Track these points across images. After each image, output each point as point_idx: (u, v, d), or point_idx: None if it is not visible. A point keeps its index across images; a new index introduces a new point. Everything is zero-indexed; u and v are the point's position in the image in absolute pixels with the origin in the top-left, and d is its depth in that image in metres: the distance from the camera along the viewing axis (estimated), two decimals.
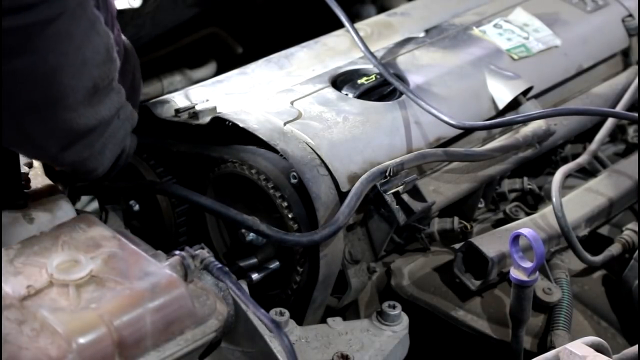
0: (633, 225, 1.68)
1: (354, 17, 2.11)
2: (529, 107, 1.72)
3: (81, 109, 1.16)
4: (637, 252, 1.57)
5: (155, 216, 1.60)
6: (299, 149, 1.47)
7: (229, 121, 1.51)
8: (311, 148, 1.47)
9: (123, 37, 1.36)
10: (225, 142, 1.54)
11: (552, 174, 1.66)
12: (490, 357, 1.52)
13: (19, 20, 1.03)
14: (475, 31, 1.85)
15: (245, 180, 1.49)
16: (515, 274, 1.38)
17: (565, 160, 1.85)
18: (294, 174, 1.44)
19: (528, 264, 1.37)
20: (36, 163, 1.40)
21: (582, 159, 1.74)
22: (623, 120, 1.90)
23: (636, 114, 1.63)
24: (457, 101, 1.67)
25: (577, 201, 1.68)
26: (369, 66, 1.70)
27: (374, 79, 1.66)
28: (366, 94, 1.63)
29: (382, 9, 2.27)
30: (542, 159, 1.85)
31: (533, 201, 1.80)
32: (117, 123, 1.26)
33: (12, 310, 1.05)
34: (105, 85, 1.19)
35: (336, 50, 1.79)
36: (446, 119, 1.56)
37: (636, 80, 1.89)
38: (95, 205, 1.82)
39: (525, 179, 1.77)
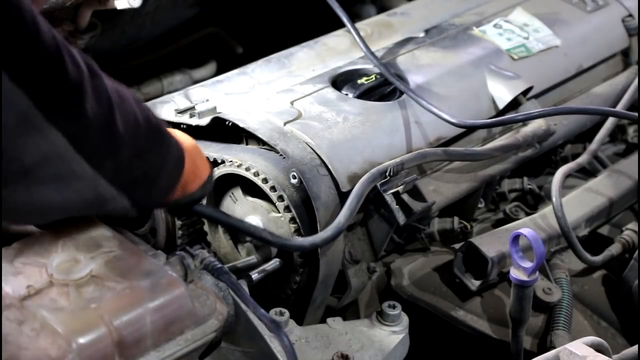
0: (633, 225, 1.68)
1: (354, 17, 2.10)
2: (529, 107, 1.72)
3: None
4: (637, 252, 1.57)
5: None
6: (299, 149, 1.47)
7: (229, 121, 1.51)
8: (311, 148, 1.47)
9: (162, 126, 1.14)
10: (225, 142, 1.54)
11: (552, 174, 1.66)
12: (490, 357, 1.52)
13: None
14: (475, 31, 1.85)
15: (245, 180, 1.48)
16: (515, 274, 1.38)
17: (565, 160, 1.85)
18: (294, 174, 1.44)
19: (528, 264, 1.37)
20: None
21: (582, 159, 1.74)
22: (623, 120, 1.90)
23: (636, 114, 1.63)
24: (457, 101, 1.67)
25: (577, 201, 1.68)
26: (369, 66, 1.70)
27: (374, 79, 1.66)
28: (366, 94, 1.63)
29: (382, 9, 2.27)
30: (542, 159, 1.85)
31: (533, 201, 1.80)
32: (95, 210, 1.11)
33: (12, 310, 1.05)
34: (36, 162, 0.97)
35: (336, 50, 1.79)
36: (447, 117, 1.56)
37: (636, 80, 1.89)
38: None
39: (525, 179, 1.77)
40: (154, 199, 1.16)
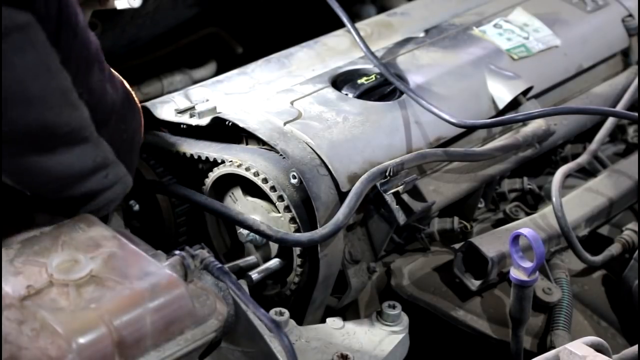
0: (633, 225, 1.68)
1: (354, 17, 2.10)
2: (529, 107, 1.72)
3: (28, 152, 1.11)
4: (637, 252, 1.57)
5: (155, 216, 1.60)
6: (299, 149, 1.47)
7: (229, 121, 1.51)
8: (311, 148, 1.47)
9: (133, 95, 1.28)
10: (225, 142, 1.54)
11: (552, 174, 1.66)
12: (490, 357, 1.52)
13: None
14: (475, 31, 1.85)
15: (245, 180, 1.49)
16: (515, 274, 1.38)
17: (565, 160, 1.85)
18: (294, 174, 1.44)
19: (528, 264, 1.37)
20: None
21: (582, 159, 1.74)
22: (623, 120, 1.90)
23: (636, 114, 1.63)
24: (457, 101, 1.67)
25: (577, 201, 1.68)
26: (369, 66, 1.70)
27: (374, 78, 1.66)
28: (366, 94, 1.63)
29: (382, 9, 2.27)
30: (542, 159, 1.85)
31: (533, 201, 1.80)
32: (102, 181, 1.21)
33: (12, 310, 1.05)
34: (67, 133, 1.12)
35: (336, 50, 1.79)
36: (447, 117, 1.56)
37: (636, 80, 1.89)
38: None
39: (525, 179, 1.77)
40: (135, 158, 1.30)
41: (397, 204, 1.49)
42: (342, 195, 1.45)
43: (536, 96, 1.79)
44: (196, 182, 1.56)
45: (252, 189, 1.50)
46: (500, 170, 1.69)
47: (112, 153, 1.21)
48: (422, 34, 1.84)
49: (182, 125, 1.58)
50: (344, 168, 1.47)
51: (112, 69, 1.21)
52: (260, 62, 1.76)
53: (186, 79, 2.12)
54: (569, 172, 1.70)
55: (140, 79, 2.06)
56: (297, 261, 1.48)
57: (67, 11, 1.07)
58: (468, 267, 1.53)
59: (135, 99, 1.29)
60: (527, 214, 1.71)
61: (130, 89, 1.28)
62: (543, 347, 1.49)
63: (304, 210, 1.45)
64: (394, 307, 1.37)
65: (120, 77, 1.25)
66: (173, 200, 1.58)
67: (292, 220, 1.44)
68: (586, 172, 1.81)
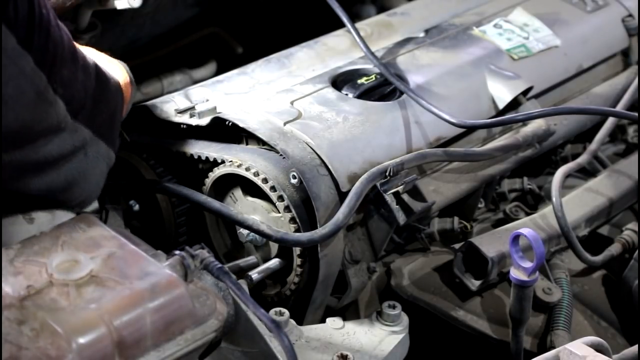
0: (633, 225, 1.68)
1: (354, 17, 2.10)
2: (529, 107, 1.72)
3: (11, 143, 1.13)
4: (637, 252, 1.57)
5: (155, 216, 1.60)
6: (299, 149, 1.47)
7: (229, 121, 1.51)
8: (311, 148, 1.47)
9: (106, 70, 1.30)
10: (225, 142, 1.54)
11: (552, 174, 1.66)
12: (490, 357, 1.52)
13: None
14: (475, 31, 1.85)
15: (245, 180, 1.49)
16: (515, 274, 1.38)
17: (565, 160, 1.85)
18: (294, 174, 1.44)
19: (528, 264, 1.37)
20: None
21: (582, 159, 1.74)
22: (623, 120, 1.90)
23: (636, 114, 1.63)
24: (457, 101, 1.67)
25: (577, 201, 1.68)
26: (369, 66, 1.70)
27: (374, 78, 1.66)
28: (366, 94, 1.63)
29: (382, 9, 2.27)
30: (542, 159, 1.85)
31: (533, 201, 1.80)
32: (84, 160, 1.24)
33: (12, 310, 1.05)
34: (45, 128, 1.15)
35: (336, 50, 1.79)
36: (447, 117, 1.56)
37: (636, 80, 1.89)
38: (95, 205, 1.82)
39: (525, 179, 1.77)
40: (115, 134, 1.33)
41: (397, 204, 1.49)
42: (342, 195, 1.45)
43: (536, 96, 1.79)
44: (196, 182, 1.56)
45: (252, 189, 1.50)
46: (500, 170, 1.69)
47: (90, 133, 1.24)
48: (422, 34, 1.84)
49: (182, 125, 1.58)
50: (344, 168, 1.47)
51: (82, 51, 1.23)
52: (260, 62, 1.76)
53: (186, 79, 2.12)
54: (569, 172, 1.70)
55: (140, 79, 2.06)
56: (297, 261, 1.48)
57: (38, 12, 1.09)
58: (468, 267, 1.53)
59: (111, 76, 1.31)
60: (527, 214, 1.71)
61: (104, 67, 1.29)
62: (543, 347, 1.49)
63: (304, 210, 1.45)
64: (394, 307, 1.37)
65: (92, 59, 1.26)
66: (173, 200, 1.58)
67: (292, 220, 1.44)
68: (586, 172, 1.81)
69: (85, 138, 1.23)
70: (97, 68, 1.26)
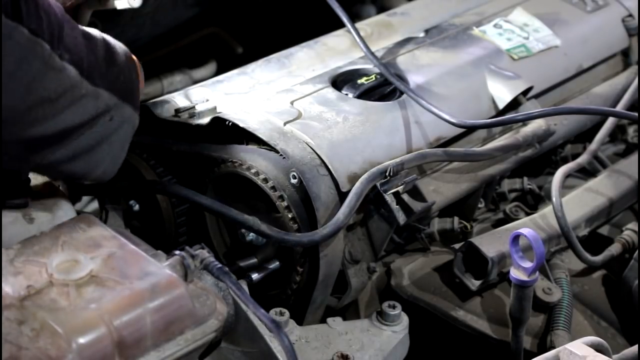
0: (633, 225, 1.68)
1: (354, 17, 2.10)
2: (529, 107, 1.72)
3: (30, 122, 1.15)
4: (637, 252, 1.57)
5: (155, 216, 1.60)
6: (299, 149, 1.47)
7: (229, 121, 1.51)
8: (311, 148, 1.47)
9: (111, 39, 1.32)
10: (225, 142, 1.54)
11: (552, 174, 1.66)
12: (490, 357, 1.52)
13: None
14: (475, 31, 1.85)
15: (245, 180, 1.49)
16: (515, 274, 1.38)
17: (565, 160, 1.85)
18: (294, 174, 1.44)
19: (528, 264, 1.37)
20: None
21: (582, 159, 1.74)
22: (623, 120, 1.90)
23: (636, 114, 1.63)
24: (457, 101, 1.67)
25: (577, 201, 1.68)
26: (369, 66, 1.70)
27: (374, 78, 1.66)
28: (366, 94, 1.63)
29: (382, 9, 2.27)
30: (542, 159, 1.85)
31: (533, 201, 1.80)
32: (108, 125, 1.26)
33: (12, 310, 1.05)
34: (61, 95, 1.17)
35: (336, 50, 1.79)
36: (447, 117, 1.56)
37: (636, 80, 1.89)
38: (95, 205, 1.82)
39: (525, 179, 1.77)
40: (137, 98, 1.34)
41: (397, 204, 1.49)
42: (342, 195, 1.45)
43: (536, 96, 1.79)
44: (196, 182, 1.56)
45: (252, 189, 1.50)
46: (500, 170, 1.69)
47: (114, 97, 1.25)
48: (422, 34, 1.84)
49: (182, 125, 1.58)
50: (344, 168, 1.47)
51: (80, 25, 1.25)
52: (260, 62, 1.76)
53: (186, 79, 2.12)
54: (569, 172, 1.69)
55: None
56: (297, 261, 1.48)
57: None
58: (468, 267, 1.53)
59: (120, 45, 1.32)
60: (527, 214, 1.71)
61: (110, 38, 1.31)
62: (543, 347, 1.49)
63: (304, 210, 1.45)
64: (394, 307, 1.37)
65: (96, 30, 1.28)
66: (173, 200, 1.58)
67: (293, 220, 1.44)
68: (586, 172, 1.81)
69: (108, 103, 1.25)
70: (102, 36, 1.28)
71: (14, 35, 1.09)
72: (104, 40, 1.28)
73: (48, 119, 1.17)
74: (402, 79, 1.67)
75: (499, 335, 1.50)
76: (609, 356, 1.19)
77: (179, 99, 1.62)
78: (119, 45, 1.32)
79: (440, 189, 1.60)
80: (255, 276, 1.47)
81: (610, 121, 1.80)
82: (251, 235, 1.51)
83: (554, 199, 1.58)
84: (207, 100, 1.61)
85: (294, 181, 1.44)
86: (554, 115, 1.72)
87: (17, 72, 1.10)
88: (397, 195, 1.49)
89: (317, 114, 1.55)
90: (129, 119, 1.30)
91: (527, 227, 1.46)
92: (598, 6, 1.99)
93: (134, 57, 1.37)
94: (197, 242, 1.26)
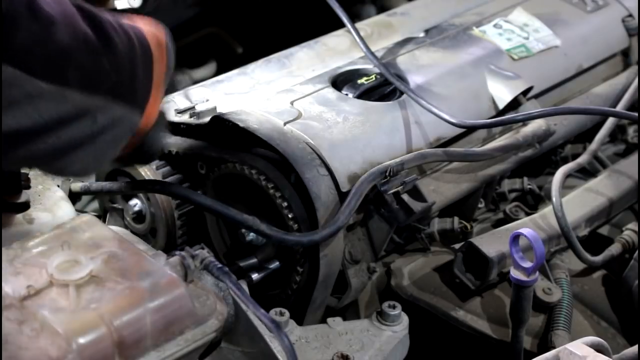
0: (633, 225, 1.68)
1: (354, 17, 2.10)
2: (529, 107, 1.72)
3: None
4: (637, 252, 1.57)
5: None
6: (299, 149, 1.47)
7: (229, 121, 1.51)
8: (311, 148, 1.47)
9: (123, 24, 1.16)
10: (225, 142, 1.54)
11: (552, 174, 1.66)
12: (490, 357, 1.52)
13: None
14: (475, 31, 1.85)
15: (245, 180, 1.49)
16: (515, 274, 1.38)
17: (565, 160, 1.85)
18: (294, 174, 1.44)
19: (528, 264, 1.37)
20: None
21: (582, 159, 1.74)
22: (623, 120, 1.90)
23: (636, 114, 1.63)
24: (457, 101, 1.67)
25: (577, 201, 1.68)
26: (369, 66, 1.70)
27: (374, 79, 1.66)
28: (366, 94, 1.63)
29: (382, 9, 2.27)
30: (542, 159, 1.85)
31: (533, 201, 1.80)
32: (90, 127, 1.10)
33: (12, 310, 1.05)
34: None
35: (336, 50, 1.79)
36: (447, 117, 1.56)
37: (636, 80, 1.89)
38: (95, 205, 1.82)
39: (525, 179, 1.77)
40: (143, 94, 1.18)
41: (397, 204, 1.49)
42: (342, 195, 1.45)
43: (536, 96, 1.79)
44: (197, 182, 1.56)
45: (252, 189, 1.50)
46: (500, 170, 1.69)
47: (97, 98, 1.10)
48: (422, 34, 1.84)
49: (182, 125, 1.58)
50: (344, 168, 1.47)
51: (66, 3, 1.07)
52: (260, 62, 1.76)
53: (186, 79, 2.12)
54: (569, 172, 1.69)
55: None
56: (297, 261, 1.48)
57: None
58: (468, 267, 1.53)
59: (124, 26, 1.16)
60: (527, 214, 1.71)
61: (112, 18, 1.14)
62: (543, 347, 1.48)
63: (304, 210, 1.45)
64: (394, 307, 1.37)
65: (90, 8, 1.11)
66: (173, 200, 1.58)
67: (292, 220, 1.44)
68: (586, 172, 1.81)
69: (88, 103, 1.08)
70: (94, 17, 1.10)
71: None
72: (95, 24, 1.10)
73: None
74: (402, 79, 1.67)
75: (499, 335, 1.50)
76: (609, 356, 1.18)
77: (179, 99, 1.62)
78: (123, 28, 1.15)
79: (440, 189, 1.60)
80: (255, 276, 1.47)
81: (610, 121, 1.80)
82: (251, 235, 1.51)
83: (554, 199, 1.58)
84: (207, 100, 1.61)
85: (294, 181, 1.44)
86: (554, 115, 1.72)
87: None
88: (397, 195, 1.49)
89: (317, 114, 1.55)
90: (121, 120, 1.15)
91: (527, 227, 1.46)
92: (598, 6, 1.99)
93: (160, 41, 1.22)
94: (197, 242, 1.26)
